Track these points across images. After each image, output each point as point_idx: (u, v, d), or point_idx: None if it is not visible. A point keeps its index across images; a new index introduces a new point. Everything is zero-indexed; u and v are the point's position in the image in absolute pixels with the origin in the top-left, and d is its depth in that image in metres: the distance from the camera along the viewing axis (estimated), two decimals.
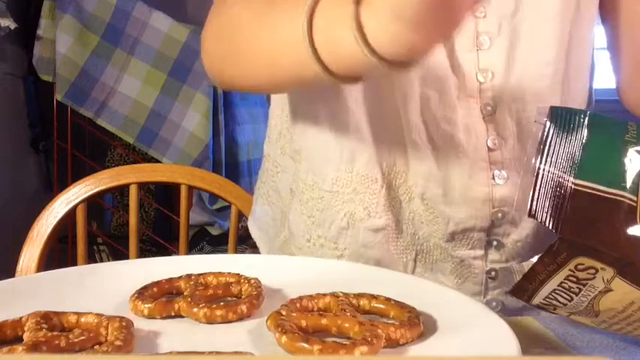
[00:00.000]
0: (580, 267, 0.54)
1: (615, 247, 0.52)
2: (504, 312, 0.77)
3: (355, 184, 0.75)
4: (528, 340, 0.59)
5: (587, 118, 0.57)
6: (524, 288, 0.57)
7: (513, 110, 0.73)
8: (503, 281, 0.76)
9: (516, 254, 0.76)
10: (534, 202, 0.55)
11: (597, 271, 0.53)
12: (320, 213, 0.78)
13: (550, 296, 0.57)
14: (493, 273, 0.76)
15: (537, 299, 0.58)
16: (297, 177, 0.81)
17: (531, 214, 0.55)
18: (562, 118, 0.57)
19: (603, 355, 0.58)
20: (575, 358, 0.54)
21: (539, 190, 0.56)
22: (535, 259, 0.62)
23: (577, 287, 0.55)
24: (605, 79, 0.95)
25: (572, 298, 0.56)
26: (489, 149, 0.73)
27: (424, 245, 0.75)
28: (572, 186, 0.55)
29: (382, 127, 0.74)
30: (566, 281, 0.55)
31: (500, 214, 0.73)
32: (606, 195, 0.54)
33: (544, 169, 0.56)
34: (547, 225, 0.55)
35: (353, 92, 0.74)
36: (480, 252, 0.75)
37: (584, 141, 0.56)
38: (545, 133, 0.57)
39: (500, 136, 0.73)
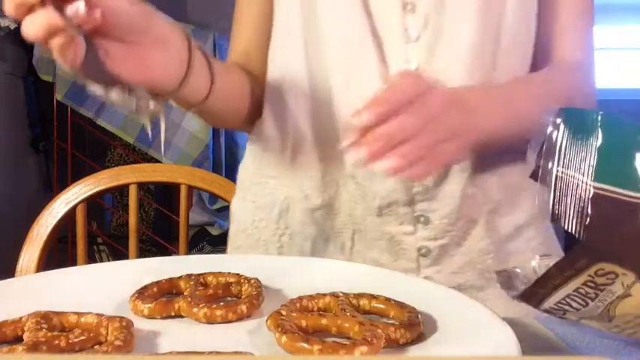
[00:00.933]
0: (600, 272, 0.52)
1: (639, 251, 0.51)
2: None
3: (295, 170, 0.82)
4: (528, 340, 0.59)
5: (600, 119, 0.56)
6: (535, 293, 0.55)
7: None
8: (439, 259, 0.80)
9: (444, 231, 0.79)
10: (556, 206, 0.54)
11: (617, 276, 0.51)
12: (262, 197, 0.86)
13: (562, 301, 0.55)
14: (424, 250, 0.79)
15: (547, 304, 0.56)
16: (243, 168, 0.90)
17: (554, 219, 0.54)
18: (574, 119, 0.56)
19: (603, 356, 0.57)
20: (575, 358, 0.53)
21: (559, 193, 0.54)
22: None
23: (594, 293, 0.53)
24: (605, 79, 0.95)
25: (587, 304, 0.54)
26: None
27: (360, 224, 0.80)
28: (592, 189, 0.54)
29: (318, 120, 0.81)
30: (583, 287, 0.53)
31: (420, 187, 0.77)
32: (627, 198, 0.53)
33: (561, 172, 0.55)
34: (571, 230, 0.53)
35: (293, 92, 0.82)
36: (409, 228, 0.79)
37: (599, 142, 0.55)
38: (559, 135, 0.56)
39: None
